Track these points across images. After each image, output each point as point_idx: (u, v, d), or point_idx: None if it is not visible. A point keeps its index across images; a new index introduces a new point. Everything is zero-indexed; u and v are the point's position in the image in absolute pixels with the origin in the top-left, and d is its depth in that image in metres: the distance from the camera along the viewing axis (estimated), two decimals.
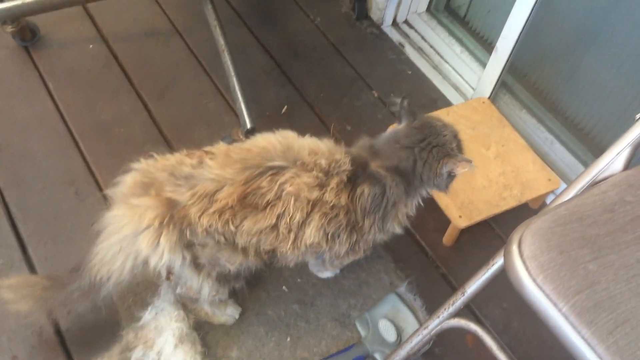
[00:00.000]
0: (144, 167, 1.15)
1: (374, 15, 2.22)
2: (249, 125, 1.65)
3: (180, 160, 1.14)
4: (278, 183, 1.11)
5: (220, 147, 1.18)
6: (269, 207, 1.11)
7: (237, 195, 1.09)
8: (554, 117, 1.82)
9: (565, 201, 0.96)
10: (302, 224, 1.14)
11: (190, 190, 1.09)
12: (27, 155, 1.69)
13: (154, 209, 1.08)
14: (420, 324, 1.42)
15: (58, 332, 1.39)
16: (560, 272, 0.82)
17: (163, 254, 1.09)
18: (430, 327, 1.22)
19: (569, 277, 0.82)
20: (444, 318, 1.21)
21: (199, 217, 1.08)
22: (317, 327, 1.44)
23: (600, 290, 0.81)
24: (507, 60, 1.77)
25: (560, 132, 1.80)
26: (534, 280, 0.81)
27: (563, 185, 1.69)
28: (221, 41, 1.78)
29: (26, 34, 1.92)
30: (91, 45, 2.00)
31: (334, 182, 1.15)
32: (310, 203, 1.13)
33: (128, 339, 1.35)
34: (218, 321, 1.41)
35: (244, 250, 1.16)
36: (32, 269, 1.48)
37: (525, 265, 0.83)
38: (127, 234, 1.09)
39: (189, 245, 1.13)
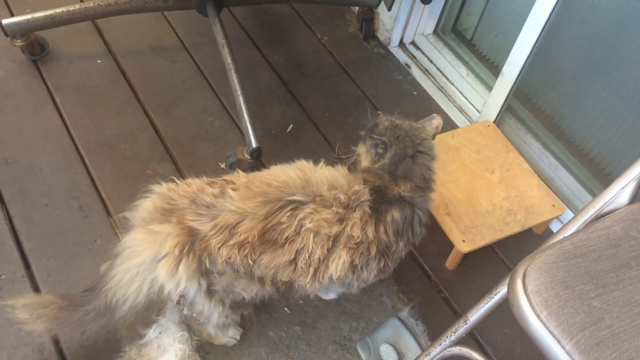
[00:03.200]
0: (164, 191, 1.16)
1: (381, 35, 2.23)
2: (254, 145, 1.65)
3: (201, 187, 1.15)
4: (297, 219, 1.12)
5: (241, 177, 1.19)
6: (288, 243, 1.12)
7: (257, 231, 1.10)
8: (559, 142, 1.82)
9: (569, 235, 0.96)
10: (325, 259, 1.15)
11: (212, 221, 1.10)
12: (32, 170, 1.69)
13: (175, 237, 1.09)
14: (422, 349, 1.41)
15: (59, 349, 1.39)
16: (565, 308, 0.82)
17: (180, 282, 1.10)
18: (431, 355, 1.22)
19: (574, 313, 0.81)
20: (446, 346, 1.20)
21: (219, 249, 1.09)
22: (319, 349, 1.44)
23: (605, 327, 0.81)
24: (513, 85, 1.77)
25: (566, 157, 1.80)
26: (538, 316, 0.81)
27: (567, 212, 1.69)
28: (228, 59, 1.78)
29: (35, 48, 1.94)
30: (99, 61, 2.01)
31: (356, 216, 1.16)
32: (331, 239, 1.14)
33: (130, 355, 1.35)
34: (219, 342, 1.41)
35: (261, 280, 1.17)
36: (34, 284, 1.48)
37: (529, 300, 0.83)
38: (146, 259, 1.10)
39: (206, 273, 1.13)
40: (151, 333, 1.39)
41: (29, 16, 1.82)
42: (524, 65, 1.72)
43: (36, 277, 1.49)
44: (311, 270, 1.16)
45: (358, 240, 1.16)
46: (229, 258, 1.10)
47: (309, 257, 1.13)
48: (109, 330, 1.41)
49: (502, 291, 1.12)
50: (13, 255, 1.52)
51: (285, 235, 1.12)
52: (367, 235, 1.17)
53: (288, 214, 1.12)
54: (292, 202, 1.13)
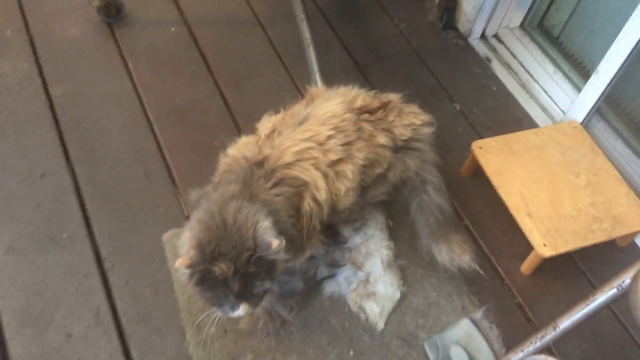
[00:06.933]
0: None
1: (462, 26, 2.13)
2: None
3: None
4: None
5: None
6: None
7: None
8: None
9: None
10: None
11: None
12: (101, 131, 1.66)
13: None
14: (496, 355, 1.32)
15: (115, 313, 1.34)
16: None
17: None
18: None
19: None
20: (529, 352, 1.11)
21: None
22: (382, 343, 1.35)
23: None
24: (608, 86, 1.65)
25: None
26: None
27: None
28: (307, 35, 1.73)
29: (111, 10, 1.91)
30: (173, 28, 1.97)
31: None
32: None
33: (334, 256, 1.44)
34: None
35: None
36: (94, 245, 1.44)
37: None
38: None
39: None
40: (357, 239, 1.44)
41: None
42: (621, 65, 1.60)
43: (97, 238, 1.46)
44: None
45: None
46: None
47: None
48: (167, 302, 1.37)
49: (599, 299, 1.03)
50: (75, 215, 1.49)
51: None
52: None
53: None
54: None
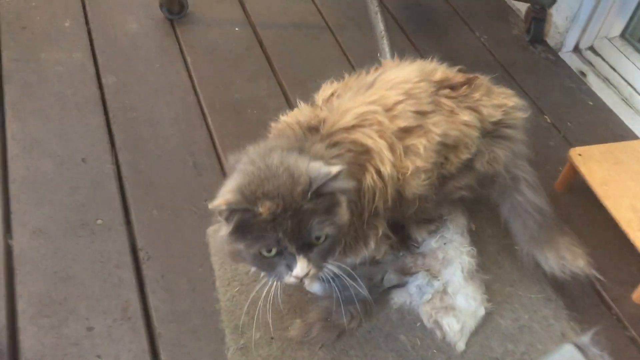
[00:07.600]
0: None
1: (551, 39, 1.93)
2: None
3: None
4: None
5: None
6: None
7: None
8: None
9: None
10: None
11: None
12: (151, 120, 1.52)
13: None
14: None
15: (145, 309, 1.15)
16: None
17: None
18: None
19: None
20: None
21: None
22: None
23: None
24: None
25: None
26: None
27: None
28: (381, 27, 1.57)
29: (175, 6, 1.82)
30: (237, 29, 1.86)
31: None
32: None
33: (405, 262, 1.21)
34: None
35: None
36: (131, 235, 1.27)
37: None
38: None
39: None
40: (433, 243, 1.23)
41: None
42: None
43: (134, 227, 1.28)
44: None
45: None
46: None
47: None
48: (206, 301, 1.16)
49: None
50: (114, 202, 1.32)
51: None
52: None
53: None
54: None
